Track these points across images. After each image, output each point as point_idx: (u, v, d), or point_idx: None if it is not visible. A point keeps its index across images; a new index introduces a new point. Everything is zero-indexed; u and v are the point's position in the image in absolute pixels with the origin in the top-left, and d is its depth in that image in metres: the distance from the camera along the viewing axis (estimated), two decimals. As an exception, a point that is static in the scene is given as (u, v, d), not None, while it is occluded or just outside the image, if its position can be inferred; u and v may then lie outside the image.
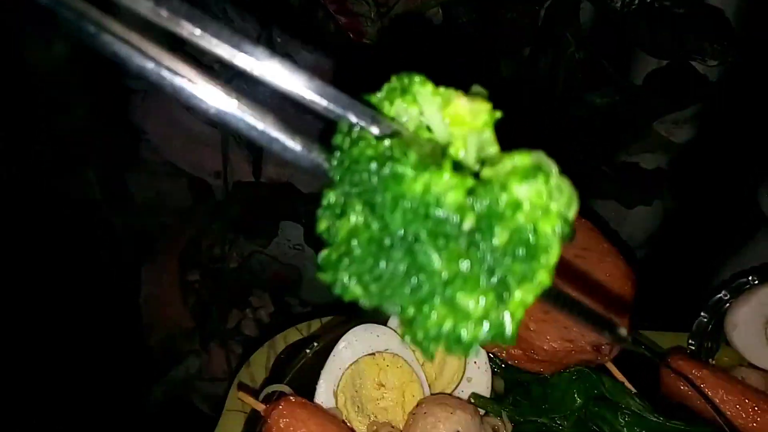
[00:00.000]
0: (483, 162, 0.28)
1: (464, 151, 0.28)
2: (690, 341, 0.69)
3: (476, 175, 0.27)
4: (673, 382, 0.61)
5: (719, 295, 0.70)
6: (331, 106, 0.28)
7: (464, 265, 0.26)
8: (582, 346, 0.57)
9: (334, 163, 0.28)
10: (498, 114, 0.28)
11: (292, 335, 0.76)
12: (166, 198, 1.45)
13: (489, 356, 0.60)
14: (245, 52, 0.27)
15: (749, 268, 0.73)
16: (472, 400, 0.58)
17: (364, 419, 0.57)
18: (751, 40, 0.87)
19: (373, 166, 0.26)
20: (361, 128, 0.28)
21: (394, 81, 0.29)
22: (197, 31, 0.27)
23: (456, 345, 0.26)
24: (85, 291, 1.38)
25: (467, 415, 0.55)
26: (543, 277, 0.27)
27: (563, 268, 0.62)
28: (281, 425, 0.50)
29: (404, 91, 0.29)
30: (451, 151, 0.28)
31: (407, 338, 0.27)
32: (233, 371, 1.19)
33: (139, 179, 1.44)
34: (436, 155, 0.27)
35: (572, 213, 0.26)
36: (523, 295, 0.27)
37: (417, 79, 0.28)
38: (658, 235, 1.18)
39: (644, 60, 0.90)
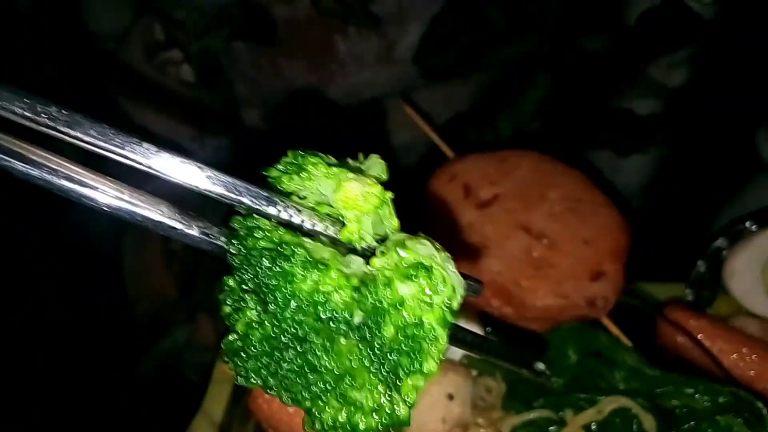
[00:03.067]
0: (382, 240, 0.29)
1: (359, 232, 0.29)
2: (687, 291, 0.66)
3: (373, 252, 0.28)
4: (670, 335, 0.59)
5: (716, 243, 0.68)
6: (226, 193, 0.28)
7: (354, 361, 0.28)
8: (576, 301, 0.55)
9: (232, 249, 0.28)
10: (389, 195, 0.29)
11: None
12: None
13: (480, 316, 0.57)
14: (137, 149, 0.27)
15: (746, 214, 0.71)
16: (465, 361, 0.56)
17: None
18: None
19: (266, 263, 0.27)
20: (258, 212, 0.28)
21: (291, 157, 0.30)
22: (86, 132, 0.27)
23: None
24: (67, 262, 1.35)
25: (459, 377, 0.53)
26: (431, 366, 0.28)
27: (554, 219, 0.59)
28: (267, 396, 0.48)
29: (300, 168, 0.29)
30: (347, 230, 0.29)
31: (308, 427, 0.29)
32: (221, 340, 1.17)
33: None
34: (330, 244, 0.29)
35: (456, 302, 0.28)
36: (413, 382, 0.28)
37: (311, 159, 0.29)
38: (654, 183, 1.16)
39: (635, 3, 0.86)
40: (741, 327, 0.61)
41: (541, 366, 0.47)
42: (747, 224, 0.68)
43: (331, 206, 0.30)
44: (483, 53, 0.96)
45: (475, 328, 0.59)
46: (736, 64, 1.06)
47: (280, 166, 0.30)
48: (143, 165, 0.27)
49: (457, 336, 0.34)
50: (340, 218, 0.30)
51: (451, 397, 0.52)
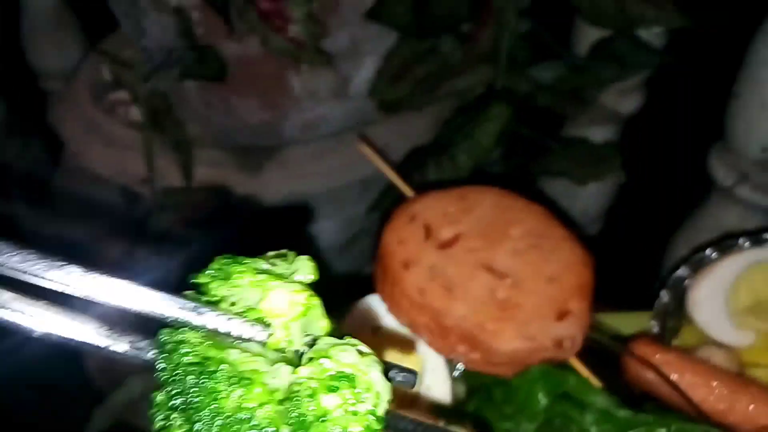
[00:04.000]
0: (313, 342, 0.29)
1: (286, 340, 0.29)
2: (652, 322, 0.66)
3: (301, 357, 0.28)
4: (637, 371, 0.58)
5: (679, 272, 0.68)
6: (154, 309, 0.28)
7: None
8: (543, 343, 0.53)
9: (160, 365, 0.28)
10: (316, 301, 0.29)
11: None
12: (95, 207, 1.36)
13: (447, 362, 0.56)
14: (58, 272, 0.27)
15: (706, 242, 0.71)
16: (432, 412, 0.54)
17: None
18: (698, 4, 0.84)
19: (192, 379, 0.27)
20: (187, 324, 0.28)
21: (217, 264, 0.30)
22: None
23: None
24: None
25: (426, 427, 0.51)
26: None
27: (517, 257, 0.58)
28: None
29: (225, 277, 0.29)
30: (274, 338, 0.29)
31: None
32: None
33: (64, 187, 1.35)
34: (259, 352, 0.29)
35: (382, 408, 0.28)
36: None
37: (237, 267, 0.29)
38: (612, 209, 1.17)
39: (589, 31, 0.87)
40: (708, 358, 0.61)
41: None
42: (708, 252, 0.68)
43: (254, 315, 0.30)
44: (438, 85, 0.96)
45: (444, 372, 0.57)
46: (687, 88, 1.08)
47: (208, 273, 0.29)
48: (68, 289, 0.27)
49: (396, 427, 0.33)
50: (269, 325, 0.30)
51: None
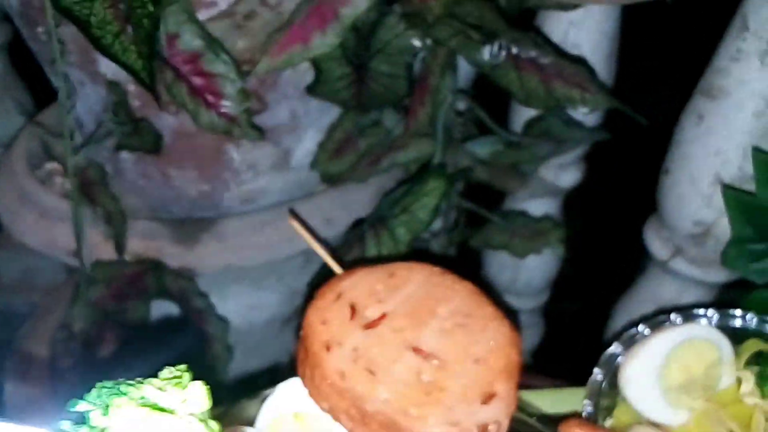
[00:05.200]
0: None
1: None
2: (586, 401, 0.64)
3: None
4: (569, 455, 0.56)
5: (611, 349, 0.67)
6: None
7: None
8: (467, 428, 0.52)
9: None
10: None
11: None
12: (35, 276, 1.32)
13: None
14: None
15: (639, 318, 0.71)
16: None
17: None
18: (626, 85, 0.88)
19: None
20: None
21: (95, 393, 0.29)
22: None
23: None
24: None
25: None
26: None
27: (444, 337, 0.57)
28: None
29: (105, 408, 0.29)
30: None
31: None
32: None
33: (3, 255, 1.31)
34: None
35: None
36: None
37: (116, 399, 0.29)
38: (556, 279, 1.17)
39: (521, 110, 0.89)
40: (641, 439, 0.60)
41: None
42: (640, 328, 0.68)
43: None
44: (380, 158, 0.96)
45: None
46: (624, 161, 1.12)
47: (88, 400, 0.29)
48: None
49: None
50: None
51: None
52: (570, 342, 1.18)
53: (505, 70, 0.71)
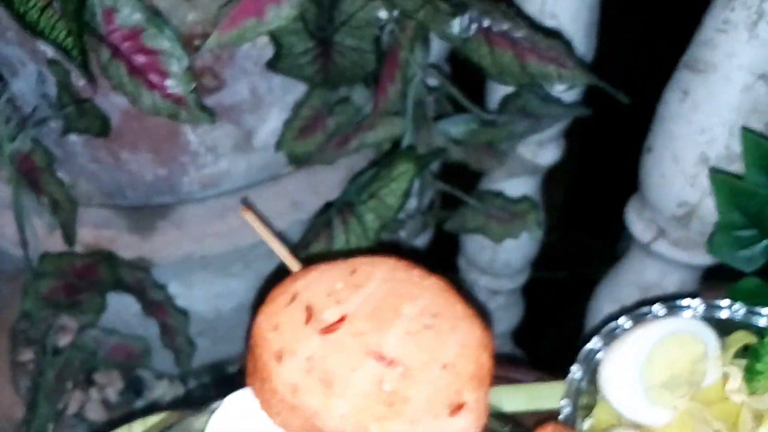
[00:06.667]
0: None
1: None
2: (563, 401, 0.61)
3: None
4: (545, 463, 0.53)
5: (590, 345, 0.63)
6: None
7: None
8: (433, 444, 0.47)
9: None
10: None
11: (152, 420, 0.63)
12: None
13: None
14: None
15: (620, 310, 0.67)
16: None
17: None
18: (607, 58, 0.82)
19: None
20: None
21: None
22: None
23: None
24: None
25: None
26: None
27: (409, 340, 0.52)
28: None
29: None
30: None
31: None
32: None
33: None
34: None
35: None
36: None
37: None
38: (535, 260, 1.13)
39: (497, 86, 0.84)
40: (619, 442, 0.56)
41: None
42: (621, 321, 0.64)
43: None
44: (348, 139, 0.91)
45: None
46: (605, 137, 1.07)
47: None
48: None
49: None
50: None
51: None
52: (550, 323, 1.14)
53: (477, 44, 0.66)
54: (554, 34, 0.67)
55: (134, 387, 1.09)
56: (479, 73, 0.82)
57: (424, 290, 0.56)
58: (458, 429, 0.48)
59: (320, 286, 0.55)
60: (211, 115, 0.70)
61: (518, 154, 0.94)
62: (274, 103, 0.89)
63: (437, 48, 0.88)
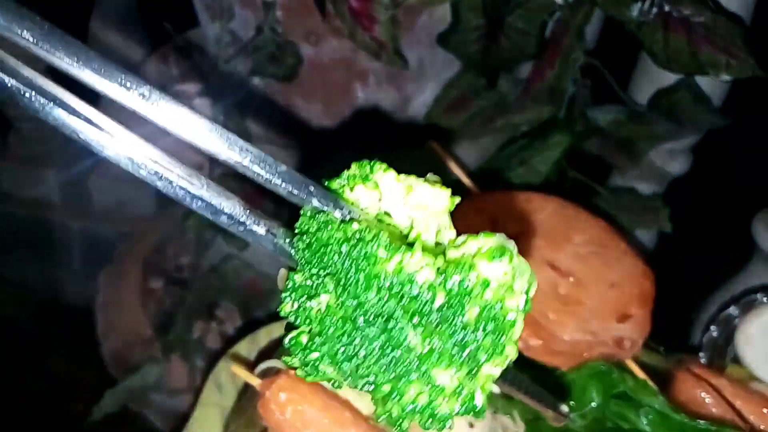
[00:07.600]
0: (439, 244, 0.30)
1: (426, 234, 0.30)
2: (701, 354, 0.65)
3: (439, 256, 0.29)
4: (688, 389, 0.57)
5: (728, 311, 0.68)
6: (295, 191, 0.29)
7: (437, 341, 0.28)
8: (603, 340, 0.53)
9: (300, 246, 0.29)
10: (457, 199, 0.30)
11: (277, 330, 0.71)
12: (129, 205, 1.38)
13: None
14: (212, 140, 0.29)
15: (759, 286, 0.71)
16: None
17: (365, 396, 0.52)
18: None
19: (344, 248, 0.28)
20: (326, 213, 0.29)
21: (355, 168, 0.30)
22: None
23: (431, 419, 0.28)
24: (39, 294, 1.29)
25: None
26: (510, 351, 0.28)
27: (580, 260, 0.58)
28: (281, 400, 0.45)
29: (365, 178, 0.30)
30: (413, 234, 0.30)
31: (381, 417, 0.28)
32: (196, 384, 1.11)
33: (101, 184, 1.38)
34: (401, 238, 0.29)
35: (532, 291, 0.28)
36: (490, 369, 0.28)
37: (378, 166, 0.30)
38: (655, 257, 1.16)
39: (647, 77, 0.89)
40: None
41: (565, 409, 0.45)
42: (759, 296, 0.68)
43: (391, 217, 0.30)
44: (493, 119, 0.98)
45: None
46: (738, 150, 1.10)
47: (341, 178, 0.30)
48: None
49: (512, 379, 0.34)
50: (401, 230, 0.30)
51: (471, 425, 0.49)
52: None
53: (652, 29, 0.72)
54: (736, 19, 0.71)
55: (250, 326, 1.17)
56: (622, 64, 0.88)
57: (591, 227, 0.62)
58: (624, 332, 0.54)
59: (501, 206, 0.62)
60: (405, 62, 0.79)
61: (650, 158, 1.00)
62: (433, 76, 0.98)
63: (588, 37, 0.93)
